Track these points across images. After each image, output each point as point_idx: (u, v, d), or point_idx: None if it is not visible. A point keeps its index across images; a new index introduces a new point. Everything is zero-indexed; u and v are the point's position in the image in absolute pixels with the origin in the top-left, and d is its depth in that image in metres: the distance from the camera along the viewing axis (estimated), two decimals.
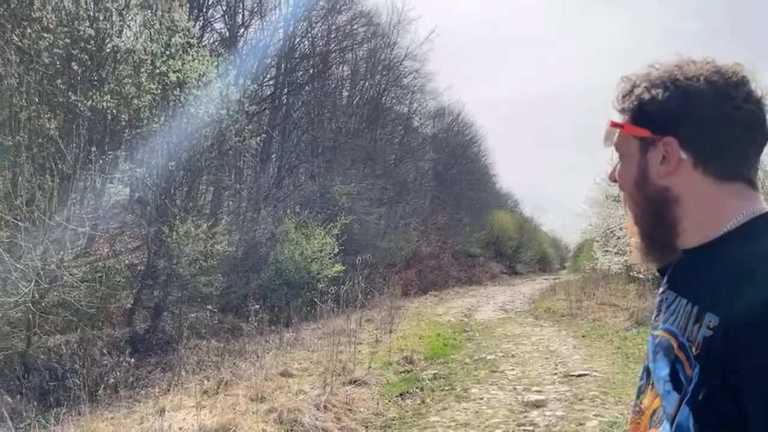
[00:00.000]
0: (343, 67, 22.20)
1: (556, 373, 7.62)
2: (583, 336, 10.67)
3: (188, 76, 9.90)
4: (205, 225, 10.38)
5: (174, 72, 9.88)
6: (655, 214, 0.93)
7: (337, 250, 13.42)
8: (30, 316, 6.99)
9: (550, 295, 18.42)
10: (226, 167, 14.09)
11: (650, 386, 0.95)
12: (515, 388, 6.87)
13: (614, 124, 0.95)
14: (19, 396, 6.24)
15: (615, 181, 0.99)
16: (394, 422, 5.75)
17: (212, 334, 10.01)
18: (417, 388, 7.08)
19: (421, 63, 25.04)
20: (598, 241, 19.81)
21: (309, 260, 12.88)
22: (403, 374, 7.92)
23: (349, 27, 20.55)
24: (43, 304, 7.22)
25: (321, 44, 19.95)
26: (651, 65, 0.93)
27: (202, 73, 10.28)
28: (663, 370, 0.89)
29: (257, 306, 9.63)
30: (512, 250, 35.85)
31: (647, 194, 0.93)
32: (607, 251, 17.95)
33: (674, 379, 0.86)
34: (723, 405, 0.77)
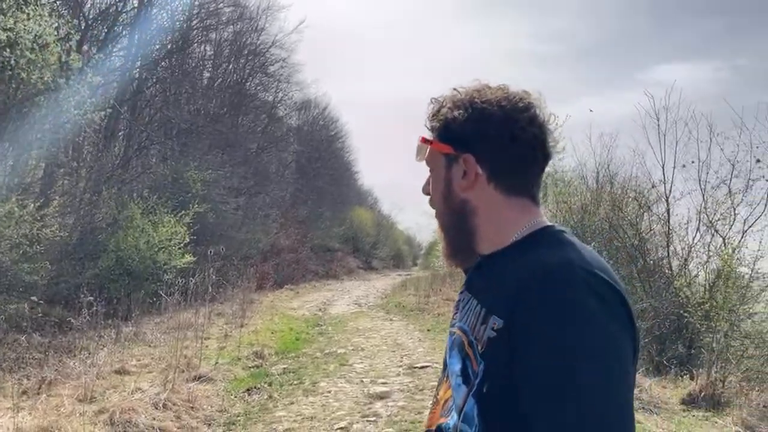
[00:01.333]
0: (205, 46, 21.06)
1: (401, 365, 8.02)
2: (428, 330, 11.33)
3: (21, 37, 8.71)
4: (33, 205, 9.26)
5: (4, 30, 8.63)
6: (457, 223, 1.02)
7: (189, 239, 12.72)
8: None
9: (402, 291, 19.27)
10: (61, 142, 12.62)
11: (446, 379, 1.04)
12: (362, 381, 7.11)
13: (424, 140, 1.05)
14: None
15: (427, 194, 1.08)
16: (239, 418, 5.63)
17: (35, 328, 8.95)
18: (265, 383, 7.01)
19: (288, 52, 24.64)
20: None
21: (156, 249, 12.05)
22: (252, 369, 7.78)
23: (213, 5, 19.54)
24: None
25: (182, 19, 18.70)
26: (455, 88, 1.02)
27: (38, 34, 9.11)
28: (456, 365, 0.97)
29: (91, 298, 8.78)
30: (369, 246, 36.85)
31: (451, 206, 1.02)
32: None
33: (464, 373, 0.94)
34: (504, 398, 0.85)
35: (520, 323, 0.85)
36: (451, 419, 0.97)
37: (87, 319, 7.88)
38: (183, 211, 13.07)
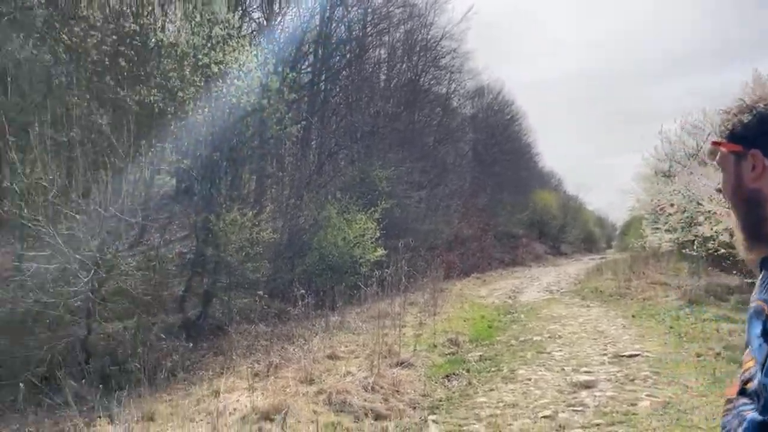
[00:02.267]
0: (380, 50, 22.10)
1: (605, 354, 7.49)
2: (632, 316, 10.42)
3: (230, 67, 10.07)
4: (250, 213, 10.60)
5: (216, 63, 10.06)
6: (753, 211, 1.15)
7: (379, 234, 13.49)
8: (89, 304, 7.35)
9: (597, 275, 18.03)
10: (268, 155, 14.31)
11: (747, 350, 1.08)
12: (563, 369, 6.80)
13: (715, 143, 1.22)
14: (82, 381, 6.59)
15: (720, 191, 1.24)
16: (441, 403, 5.79)
17: (260, 319, 10.28)
18: (463, 369, 7.10)
19: (458, 42, 24.66)
20: (647, 219, 19.20)
21: (351, 245, 13.00)
22: (448, 356, 7.95)
23: (385, 9, 20.39)
24: (102, 293, 7.56)
25: (357, 28, 19.88)
26: (740, 98, 1.19)
27: (242, 63, 10.44)
28: (755, 330, 1.04)
29: (303, 291, 9.82)
30: (556, 230, 35.19)
31: (744, 197, 1.16)
32: (656, 228, 17.38)
33: (764, 333, 1.01)
34: None
35: None
36: (756, 380, 1.03)
37: (301, 310, 8.80)
38: (372, 208, 13.89)
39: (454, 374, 6.89)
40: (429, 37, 23.20)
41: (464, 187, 25.65)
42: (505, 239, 27.22)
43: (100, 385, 6.06)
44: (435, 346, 8.30)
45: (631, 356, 7.22)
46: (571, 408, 5.33)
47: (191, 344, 8.23)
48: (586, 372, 6.58)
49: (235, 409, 5.35)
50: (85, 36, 9.07)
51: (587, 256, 34.47)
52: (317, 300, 11.37)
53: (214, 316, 10.19)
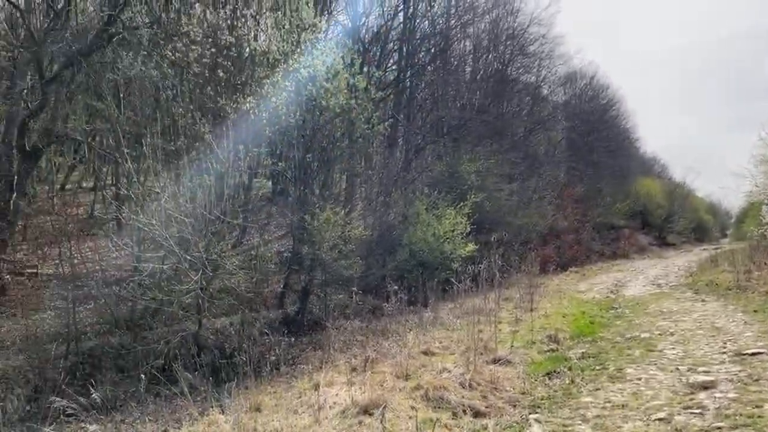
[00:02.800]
0: (465, 42, 21.76)
1: (725, 352, 6.87)
2: (755, 311, 9.48)
3: (318, 70, 10.35)
4: (342, 211, 10.83)
5: (305, 68, 10.39)
6: None
7: (469, 229, 13.28)
8: (199, 301, 7.85)
9: (711, 267, 16.62)
10: (357, 155, 14.55)
11: None
12: (677, 369, 6.31)
13: None
14: (195, 372, 7.06)
15: None
16: (542, 402, 5.58)
17: (355, 315, 10.49)
18: (565, 367, 6.80)
19: (547, 27, 23.74)
20: (767, 204, 17.42)
21: (441, 240, 12.91)
22: (548, 353, 7.66)
23: (469, 1, 20.03)
24: (210, 290, 8.05)
25: (441, 22, 19.69)
26: None
27: (330, 65, 10.69)
28: None
29: (395, 287, 9.89)
30: (662, 219, 32.89)
31: None
32: None
33: None
34: None
35: None
36: None
37: (394, 306, 8.87)
38: (461, 203, 13.70)
39: (555, 372, 6.62)
40: (515, 24, 22.53)
41: (558, 177, 24.66)
42: (604, 231, 25.86)
43: (211, 377, 6.46)
44: (533, 343, 8.03)
45: (754, 354, 6.56)
46: (689, 410, 4.92)
47: (292, 339, 8.56)
48: (703, 372, 6.06)
49: (335, 403, 5.47)
50: (187, 51, 9.69)
51: (698, 246, 31.93)
52: (410, 296, 11.41)
53: (312, 311, 10.53)
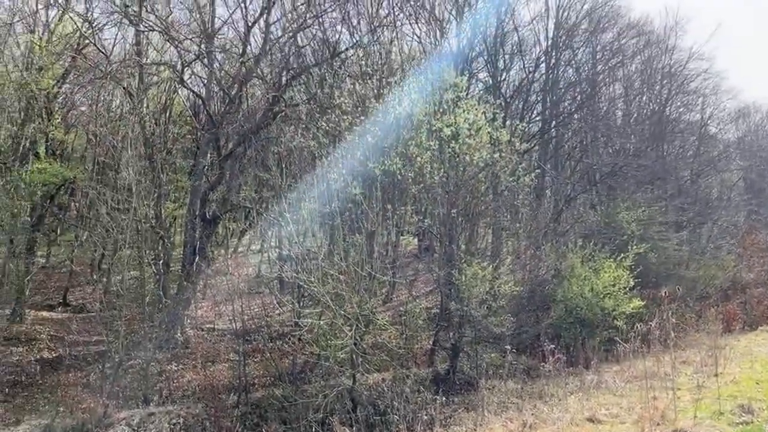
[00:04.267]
0: (614, 86, 20.74)
1: None
2: None
3: (460, 127, 10.54)
4: (489, 266, 10.60)
5: (447, 126, 10.65)
6: None
7: (633, 283, 12.13)
8: (353, 356, 8.09)
9: None
10: (502, 208, 14.31)
11: None
12: None
13: None
14: (351, 427, 7.18)
15: None
16: None
17: (509, 375, 9.98)
18: None
19: (709, 62, 21.77)
20: None
21: (601, 296, 11.93)
22: (740, 426, 6.52)
23: (616, 43, 19.21)
24: (363, 346, 8.26)
25: (587, 68, 19.09)
26: None
27: (472, 121, 10.83)
28: None
29: (551, 346, 9.28)
30: None
31: None
32: None
33: None
34: None
35: None
36: None
37: (551, 366, 8.29)
38: (621, 255, 12.64)
39: None
40: (672, 62, 20.97)
41: (737, 223, 21.74)
42: None
43: None
44: (721, 414, 6.90)
45: None
46: None
47: (443, 398, 8.36)
48: None
49: None
50: (339, 121, 10.54)
51: None
52: (568, 356, 10.59)
53: (463, 370, 10.25)
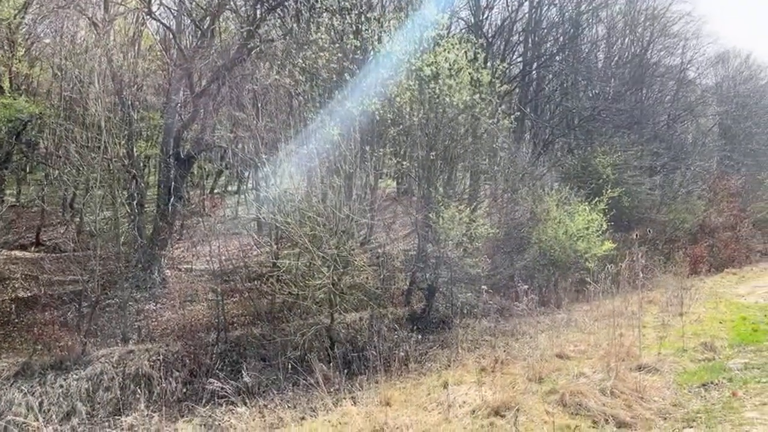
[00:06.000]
0: (596, 27, 20.41)
1: None
2: None
3: (441, 67, 10.29)
4: (467, 209, 10.67)
5: (428, 65, 10.39)
6: None
7: (606, 226, 12.39)
8: (331, 296, 8.18)
9: None
10: (481, 151, 14.27)
11: None
12: None
13: None
14: (329, 363, 7.35)
15: None
16: (698, 415, 4.99)
17: (483, 314, 10.27)
18: (723, 378, 6.04)
19: (693, 4, 21.52)
20: None
21: (574, 238, 12.19)
22: (702, 362, 6.87)
23: None
24: (341, 286, 8.35)
25: (570, 8, 18.67)
26: None
27: (452, 61, 10.58)
28: None
29: (525, 286, 9.52)
30: None
31: None
32: None
33: None
34: None
35: None
36: None
37: (524, 306, 8.54)
38: (596, 198, 12.84)
39: (711, 383, 5.91)
40: (655, 3, 20.64)
41: (710, 168, 22.16)
42: (767, 227, 22.77)
43: (344, 369, 6.69)
44: (684, 351, 7.25)
45: None
46: None
47: (419, 336, 8.59)
48: None
49: (464, 402, 5.37)
50: (316, 58, 10.18)
51: None
52: (540, 296, 10.91)
53: (438, 310, 10.49)
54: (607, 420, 4.82)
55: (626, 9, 20.11)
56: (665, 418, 4.96)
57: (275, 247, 10.07)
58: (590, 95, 19.12)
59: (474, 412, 5.03)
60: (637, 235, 9.71)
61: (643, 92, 20.78)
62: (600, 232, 12.33)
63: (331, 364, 7.20)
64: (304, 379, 6.69)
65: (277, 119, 11.22)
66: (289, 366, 7.06)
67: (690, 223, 17.60)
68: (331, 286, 7.87)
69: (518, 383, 6.04)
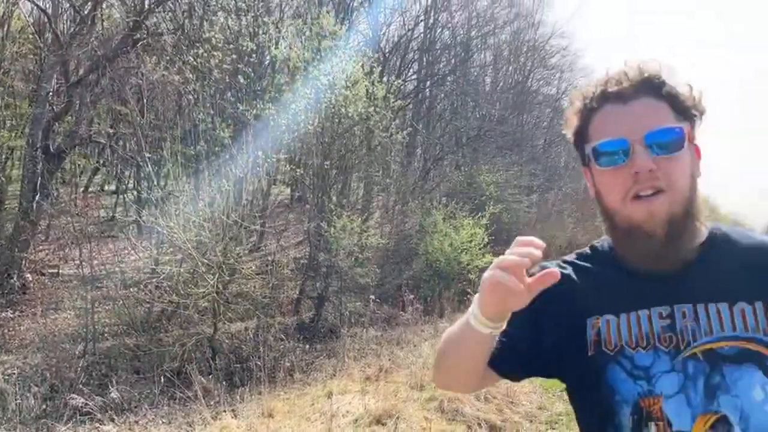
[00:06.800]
0: (485, 53, 21.75)
1: None
2: None
3: (337, 77, 10.39)
4: (359, 219, 10.82)
5: (325, 75, 10.43)
6: (693, 207, 1.00)
7: (487, 240, 13.16)
8: (215, 304, 7.87)
9: None
10: (375, 163, 14.55)
11: (713, 411, 0.89)
12: None
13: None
14: (209, 376, 7.05)
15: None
16: (560, 417, 5.46)
17: (370, 323, 10.42)
18: None
19: (569, 40, 23.63)
20: None
21: (459, 251, 12.81)
22: None
23: (490, 11, 20.07)
24: (226, 294, 8.06)
25: (462, 32, 19.73)
26: None
27: (349, 73, 10.72)
28: (755, 376, 0.89)
29: (411, 296, 9.82)
30: None
31: (694, 186, 1.01)
32: None
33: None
34: None
35: None
36: None
37: (410, 315, 8.79)
38: (479, 214, 13.60)
39: None
40: (537, 36, 22.48)
41: (579, 190, 24.40)
42: None
43: (225, 382, 6.45)
44: None
45: None
46: None
47: (306, 346, 8.52)
48: None
49: (347, 411, 5.42)
50: (209, 57, 9.82)
51: None
52: (426, 306, 11.31)
53: (327, 319, 10.49)
54: (480, 424, 5.10)
55: (511, 39, 21.67)
56: (531, 421, 5.36)
57: (155, 252, 9.50)
58: (477, 116, 20.26)
59: (356, 421, 5.09)
60: None
61: (523, 117, 22.45)
62: (482, 245, 13.07)
63: (212, 376, 6.91)
64: (181, 393, 6.35)
65: (164, 117, 10.64)
66: (166, 379, 6.67)
67: (561, 239, 19.21)
68: (216, 294, 7.58)
69: (401, 391, 6.20)
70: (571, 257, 1.12)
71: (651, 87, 0.96)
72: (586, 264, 1.08)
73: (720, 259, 0.98)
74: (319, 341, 9.56)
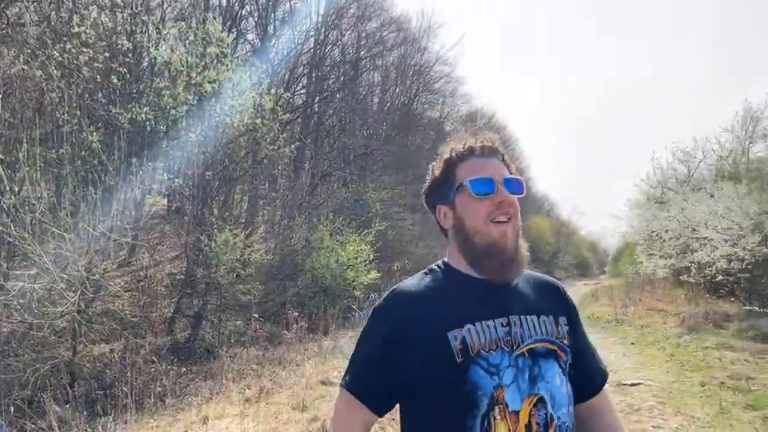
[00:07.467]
0: (374, 73, 22.24)
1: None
2: (631, 343, 10.25)
3: (223, 86, 9.99)
4: (242, 233, 10.42)
5: (209, 82, 9.98)
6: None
7: (372, 256, 13.31)
8: (75, 325, 7.08)
9: (592, 301, 17.88)
10: (260, 176, 14.17)
11: (533, 394, 1.23)
12: None
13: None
14: (66, 405, 6.30)
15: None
16: None
17: (252, 343, 10.01)
18: None
19: (452, 67, 24.93)
20: (641, 245, 19.19)
21: (345, 267, 12.81)
22: None
23: (379, 34, 20.58)
24: (89, 313, 7.30)
25: (351, 51, 20.02)
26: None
27: (236, 82, 10.37)
28: (552, 368, 1.28)
29: (296, 314, 9.60)
30: (549, 255, 35.14)
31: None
32: (651, 254, 17.34)
33: (561, 368, 1.30)
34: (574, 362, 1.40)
35: (573, 313, 1.45)
36: (567, 411, 1.26)
37: (294, 333, 8.57)
38: (365, 230, 13.74)
39: None
40: (422, 61, 23.44)
41: None
42: None
43: (85, 410, 5.79)
44: None
45: (633, 385, 7.03)
46: None
47: (181, 368, 7.96)
48: None
49: None
50: (77, 53, 8.97)
51: (581, 281, 34.39)
52: (310, 323, 11.12)
53: (205, 339, 9.91)
54: None
55: (398, 62, 22.41)
56: None
57: (5, 266, 8.38)
58: (365, 134, 20.58)
59: None
60: (398, 266, 10.63)
61: (408, 138, 23.21)
62: (367, 261, 13.19)
63: (69, 405, 6.18)
64: (33, 424, 5.60)
65: (22, 116, 9.49)
66: (16, 408, 5.85)
67: (441, 256, 19.98)
68: (77, 313, 6.83)
69: (282, 413, 5.99)
70: (415, 283, 1.45)
71: (497, 153, 1.41)
72: (433, 285, 1.41)
73: (524, 284, 1.37)
74: (195, 363, 8.98)
